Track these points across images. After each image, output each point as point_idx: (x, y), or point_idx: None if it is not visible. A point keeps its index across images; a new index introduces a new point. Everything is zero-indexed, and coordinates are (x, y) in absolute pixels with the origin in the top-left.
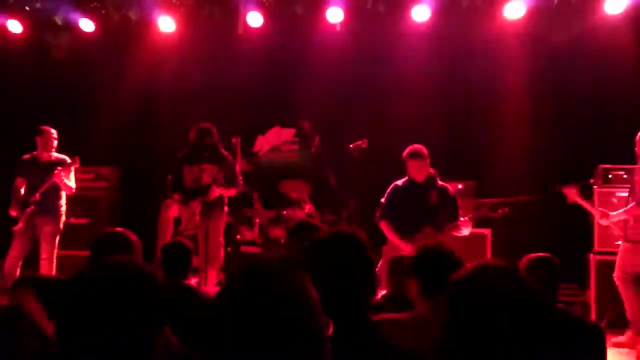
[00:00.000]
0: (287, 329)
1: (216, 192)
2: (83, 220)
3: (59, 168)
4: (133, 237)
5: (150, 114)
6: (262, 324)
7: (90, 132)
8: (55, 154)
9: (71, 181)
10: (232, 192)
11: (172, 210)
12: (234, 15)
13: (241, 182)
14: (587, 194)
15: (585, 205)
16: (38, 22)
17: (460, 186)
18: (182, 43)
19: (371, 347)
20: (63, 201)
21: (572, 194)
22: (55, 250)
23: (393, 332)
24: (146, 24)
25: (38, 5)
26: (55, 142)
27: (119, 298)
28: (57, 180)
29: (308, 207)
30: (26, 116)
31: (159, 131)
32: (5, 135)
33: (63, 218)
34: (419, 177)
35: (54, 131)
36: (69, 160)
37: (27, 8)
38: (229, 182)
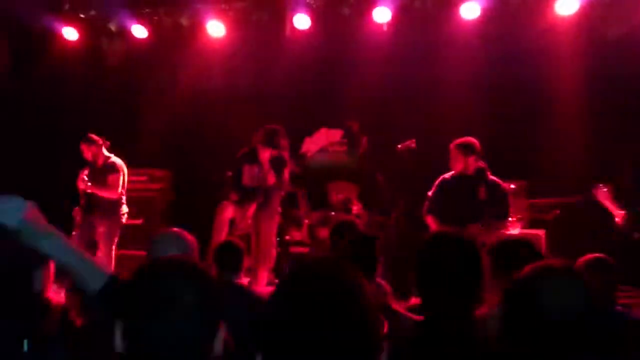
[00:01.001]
0: (344, 328)
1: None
2: (138, 221)
3: (85, 178)
4: (188, 236)
5: (201, 117)
6: (320, 323)
7: (144, 135)
8: (109, 159)
9: (113, 186)
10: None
11: (228, 211)
12: (281, 18)
13: (288, 183)
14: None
15: (610, 207)
16: (93, 30)
17: (512, 186)
18: (232, 47)
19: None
20: (118, 203)
21: (602, 195)
22: (113, 250)
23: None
24: (197, 29)
25: (92, 12)
26: (102, 148)
27: (178, 295)
28: (86, 189)
29: (356, 208)
30: (83, 121)
31: (210, 134)
32: (62, 139)
33: (119, 219)
34: (465, 169)
35: (98, 138)
36: (118, 165)
37: (82, 16)
38: (281, 182)
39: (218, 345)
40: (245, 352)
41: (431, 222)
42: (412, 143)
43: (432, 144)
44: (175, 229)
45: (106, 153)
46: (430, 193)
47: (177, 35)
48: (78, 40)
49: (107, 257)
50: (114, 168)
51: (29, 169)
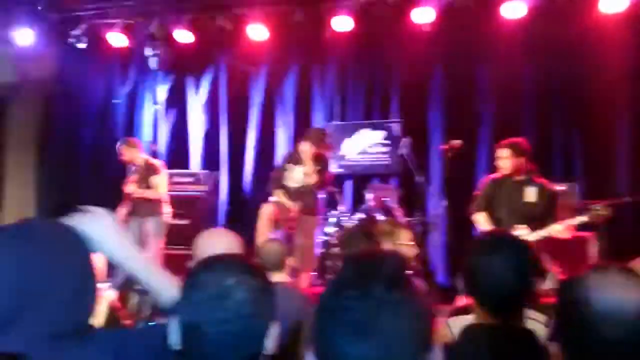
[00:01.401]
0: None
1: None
2: (184, 221)
3: (131, 181)
4: (234, 235)
5: (244, 120)
6: (377, 322)
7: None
8: (148, 160)
9: (157, 187)
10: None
11: (271, 211)
12: (322, 20)
13: (329, 185)
14: None
15: None
16: (137, 35)
17: (562, 187)
18: (273, 50)
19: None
20: (160, 204)
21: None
22: (158, 249)
23: None
24: (239, 33)
25: (137, 19)
26: (139, 151)
27: (231, 292)
28: (133, 192)
29: (397, 211)
30: (129, 126)
31: (252, 135)
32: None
33: (164, 219)
34: (508, 169)
35: (136, 140)
36: (158, 166)
37: (127, 21)
38: (322, 183)
39: (270, 343)
40: (294, 350)
41: (477, 221)
42: (457, 143)
43: (477, 144)
44: (221, 228)
45: (144, 155)
46: (476, 192)
47: (220, 39)
48: (125, 46)
49: (154, 257)
50: (155, 169)
51: (78, 172)
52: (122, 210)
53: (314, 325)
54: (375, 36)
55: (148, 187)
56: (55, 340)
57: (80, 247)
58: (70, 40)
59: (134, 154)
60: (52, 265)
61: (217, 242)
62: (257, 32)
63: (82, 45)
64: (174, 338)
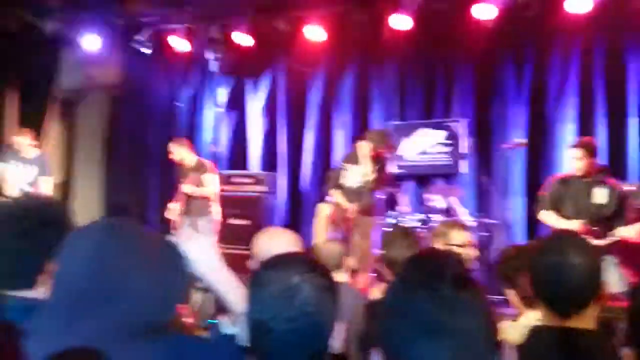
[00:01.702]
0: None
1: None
2: (244, 221)
3: (186, 181)
4: (294, 235)
5: (302, 121)
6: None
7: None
8: (199, 160)
9: (210, 185)
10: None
11: (328, 211)
12: (380, 19)
13: (388, 185)
14: None
15: None
16: (198, 39)
17: (632, 188)
18: (332, 50)
19: None
20: (210, 203)
21: None
22: (217, 247)
23: None
24: (297, 34)
25: (198, 23)
26: (189, 150)
27: (296, 290)
28: (187, 192)
29: (459, 211)
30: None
31: (309, 135)
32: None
33: (214, 217)
34: (580, 170)
35: (186, 140)
36: (209, 165)
37: (188, 26)
38: (382, 183)
39: (336, 342)
40: (358, 349)
41: (544, 219)
42: (521, 142)
43: (543, 145)
44: (280, 228)
45: (193, 155)
46: (542, 192)
47: (278, 41)
48: (186, 50)
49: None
50: (205, 168)
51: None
52: (175, 208)
53: (380, 326)
54: (435, 33)
55: (199, 186)
56: (125, 335)
57: (174, 258)
58: (135, 45)
59: (184, 154)
60: (135, 264)
61: (278, 241)
62: (315, 33)
63: (146, 50)
64: (243, 335)
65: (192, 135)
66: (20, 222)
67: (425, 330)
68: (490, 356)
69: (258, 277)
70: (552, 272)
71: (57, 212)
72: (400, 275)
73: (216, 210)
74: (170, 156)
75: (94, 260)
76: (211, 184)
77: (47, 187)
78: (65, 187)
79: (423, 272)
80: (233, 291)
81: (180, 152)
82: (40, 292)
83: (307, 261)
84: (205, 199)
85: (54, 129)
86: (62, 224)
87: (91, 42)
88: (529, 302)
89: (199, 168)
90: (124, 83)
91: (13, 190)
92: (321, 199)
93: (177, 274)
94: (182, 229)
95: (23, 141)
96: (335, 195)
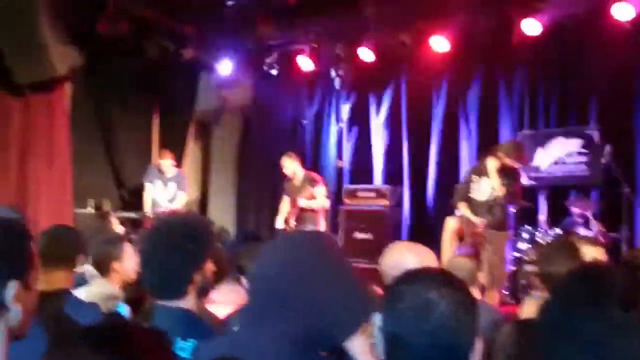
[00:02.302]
0: None
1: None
2: (368, 235)
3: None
4: (427, 249)
5: (426, 133)
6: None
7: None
8: (307, 172)
9: (321, 196)
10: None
11: (456, 225)
12: (507, 26)
13: (519, 198)
14: None
15: None
16: (323, 57)
17: None
18: (456, 60)
19: None
20: (319, 215)
21: None
22: None
23: None
24: (420, 46)
25: (323, 42)
26: (299, 164)
27: (435, 304)
28: (303, 205)
29: (595, 225)
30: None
31: (434, 149)
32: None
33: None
34: None
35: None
36: (317, 177)
37: (314, 45)
38: (512, 197)
39: (475, 358)
40: None
41: None
42: None
43: None
44: (411, 242)
45: (302, 169)
46: None
47: (401, 55)
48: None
49: None
50: (315, 180)
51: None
52: (290, 221)
53: (538, 343)
54: (568, 37)
55: (312, 197)
56: (297, 348)
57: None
58: (265, 67)
59: (296, 167)
60: (325, 280)
61: (410, 255)
62: (439, 44)
63: (274, 72)
64: (379, 348)
65: (317, 151)
66: (170, 237)
67: (589, 351)
68: None
69: (393, 291)
70: None
71: (203, 228)
72: (561, 293)
73: (324, 223)
74: (284, 170)
75: (287, 267)
76: (322, 197)
77: (180, 202)
78: (201, 202)
79: (588, 290)
80: None
81: (292, 166)
82: (188, 301)
83: (444, 276)
84: (316, 211)
85: (190, 148)
86: (207, 238)
87: (225, 66)
88: None
89: (311, 181)
90: (254, 103)
91: (158, 208)
92: (446, 213)
93: (362, 301)
94: None
95: (165, 162)
96: (463, 209)
